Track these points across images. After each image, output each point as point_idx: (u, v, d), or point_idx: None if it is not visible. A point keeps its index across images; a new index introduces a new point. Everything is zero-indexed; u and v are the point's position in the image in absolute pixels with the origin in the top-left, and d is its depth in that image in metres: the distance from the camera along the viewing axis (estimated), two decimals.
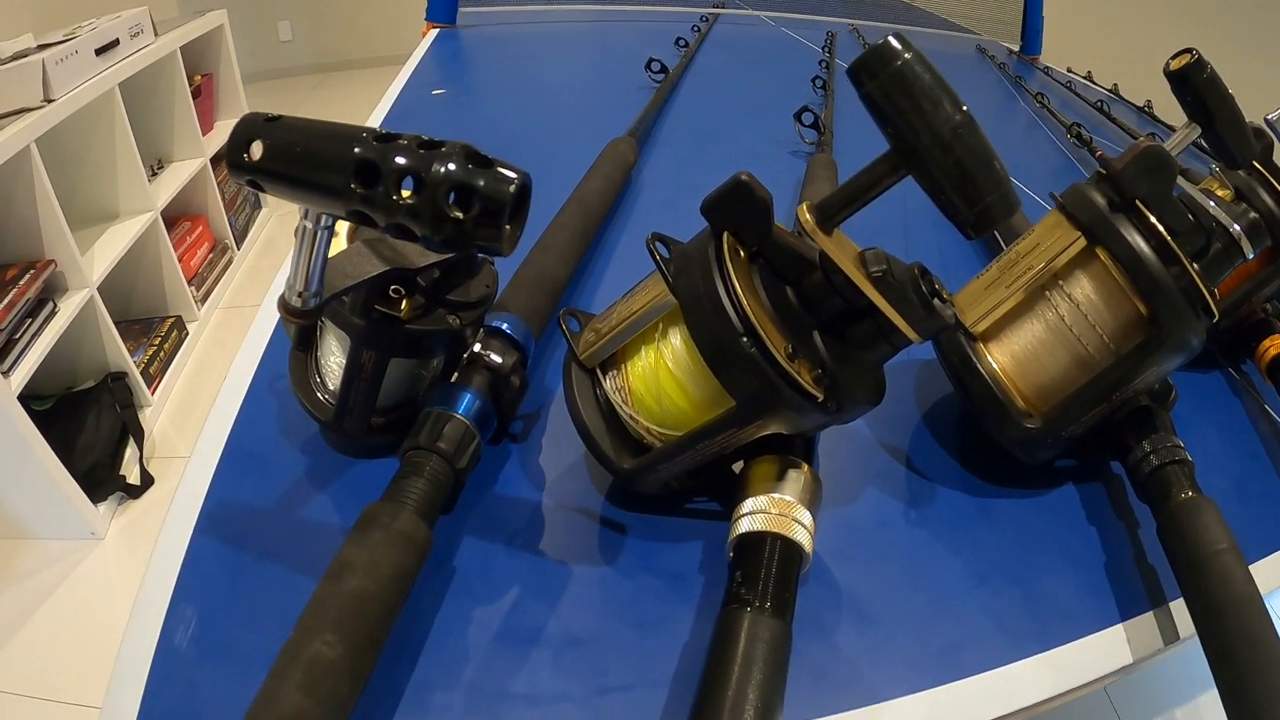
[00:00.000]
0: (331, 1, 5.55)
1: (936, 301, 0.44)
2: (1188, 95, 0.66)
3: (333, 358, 0.55)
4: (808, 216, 0.42)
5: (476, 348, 0.55)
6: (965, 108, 0.38)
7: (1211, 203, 0.61)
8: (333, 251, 0.46)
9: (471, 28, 2.06)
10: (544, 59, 1.85)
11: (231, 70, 3.05)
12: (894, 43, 0.38)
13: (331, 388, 0.56)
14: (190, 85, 2.63)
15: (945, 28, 3.05)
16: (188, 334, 2.50)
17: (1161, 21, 4.12)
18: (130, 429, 2.06)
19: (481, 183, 0.36)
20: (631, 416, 0.49)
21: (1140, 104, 1.94)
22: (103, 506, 1.91)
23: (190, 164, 2.64)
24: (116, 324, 2.06)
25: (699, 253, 0.44)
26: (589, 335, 0.51)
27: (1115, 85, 2.14)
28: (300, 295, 0.44)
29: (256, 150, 0.38)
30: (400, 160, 0.36)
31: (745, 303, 0.41)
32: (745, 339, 0.41)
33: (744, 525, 0.46)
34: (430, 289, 0.51)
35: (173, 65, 2.53)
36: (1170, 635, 0.52)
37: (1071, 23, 3.48)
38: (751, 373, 0.42)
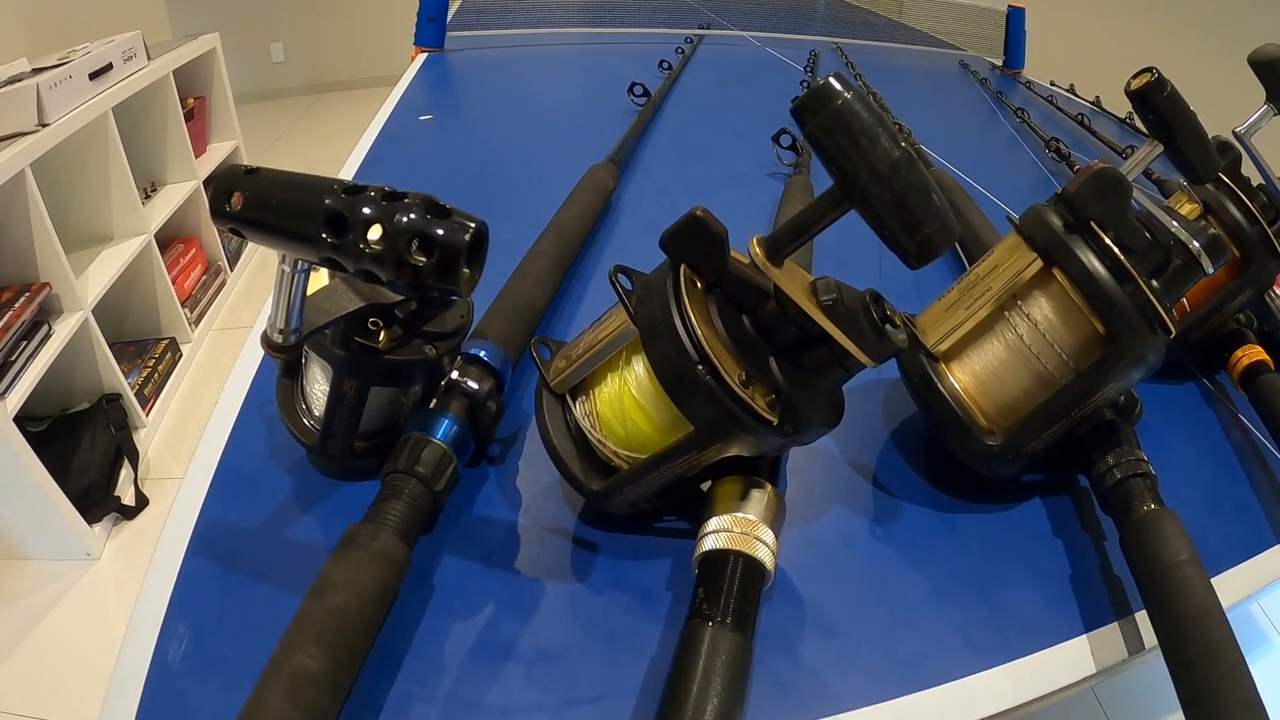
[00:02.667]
0: (324, 23, 5.57)
1: (888, 327, 0.47)
2: (1149, 114, 0.67)
3: (317, 385, 0.57)
4: (758, 250, 0.44)
5: (454, 375, 0.57)
6: (903, 144, 0.40)
7: (1173, 220, 0.62)
8: (314, 287, 0.49)
9: (459, 51, 2.08)
10: (530, 83, 1.87)
11: (224, 93, 3.07)
12: (834, 83, 0.40)
13: (317, 414, 0.58)
14: (183, 108, 2.65)
15: (930, 44, 3.07)
16: (181, 355, 2.52)
17: (1144, 33, 4.15)
18: (125, 450, 2.08)
19: (439, 232, 0.39)
20: (599, 440, 0.51)
21: (1122, 116, 1.96)
22: (98, 527, 1.93)
23: (183, 187, 2.67)
24: (111, 346, 2.08)
25: (658, 285, 0.46)
26: (559, 362, 0.54)
27: (1098, 97, 2.16)
28: (281, 332, 0.46)
29: (237, 201, 0.41)
30: (366, 211, 0.39)
31: (700, 333, 0.44)
32: (700, 367, 0.43)
33: (708, 543, 0.48)
34: (407, 321, 0.53)
35: (165, 89, 2.56)
36: (1135, 646, 0.53)
37: (1055, 35, 3.51)
38: (707, 399, 0.44)
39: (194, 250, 2.74)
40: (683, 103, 1.71)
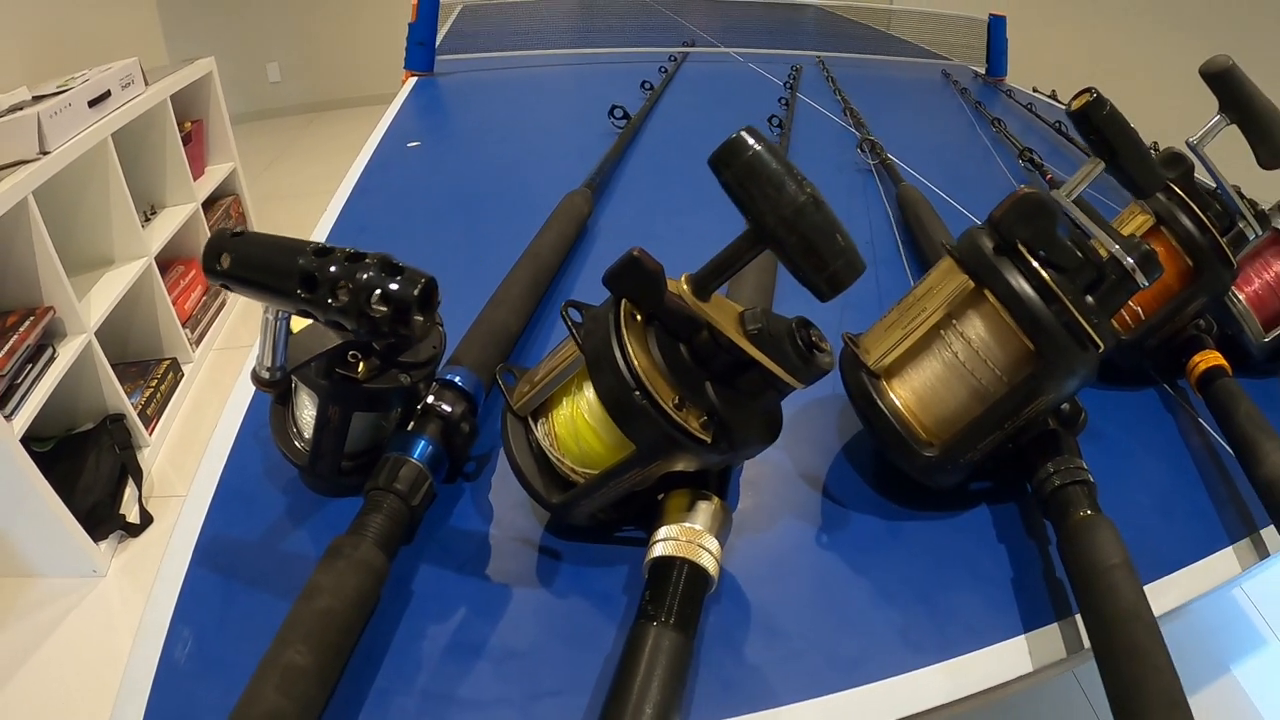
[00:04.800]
0: (319, 43, 5.63)
1: (815, 351, 0.52)
2: (1090, 133, 0.68)
3: (306, 411, 0.63)
4: (685, 288, 0.50)
5: (430, 399, 0.62)
6: (809, 189, 0.45)
7: (1109, 237, 0.64)
8: (299, 325, 0.55)
9: (448, 75, 2.13)
10: (516, 107, 1.90)
11: (221, 115, 3.12)
12: (745, 137, 0.45)
13: (306, 437, 0.63)
14: (181, 132, 2.70)
15: (914, 54, 3.10)
16: (183, 375, 2.57)
17: (1125, 36, 4.19)
18: (129, 469, 2.13)
19: (393, 287, 0.44)
20: (558, 458, 0.56)
21: None
22: (104, 544, 1.97)
23: (182, 209, 2.72)
24: (114, 367, 2.13)
25: (602, 318, 0.51)
26: (523, 387, 0.59)
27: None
28: (268, 370, 0.53)
29: (225, 261, 0.48)
30: (332, 270, 0.45)
31: (636, 361, 0.49)
32: (637, 393, 0.48)
33: (657, 550, 0.53)
34: (384, 352, 0.59)
35: (163, 114, 2.61)
36: (1074, 646, 0.56)
37: (1038, 41, 3.56)
38: (645, 421, 0.49)
39: (194, 271, 2.78)
40: (663, 124, 1.75)
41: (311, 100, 5.80)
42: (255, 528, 0.63)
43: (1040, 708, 1.51)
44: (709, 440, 0.50)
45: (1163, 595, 0.62)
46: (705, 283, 0.50)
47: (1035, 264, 0.58)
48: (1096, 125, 0.67)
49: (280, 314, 0.51)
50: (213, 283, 0.49)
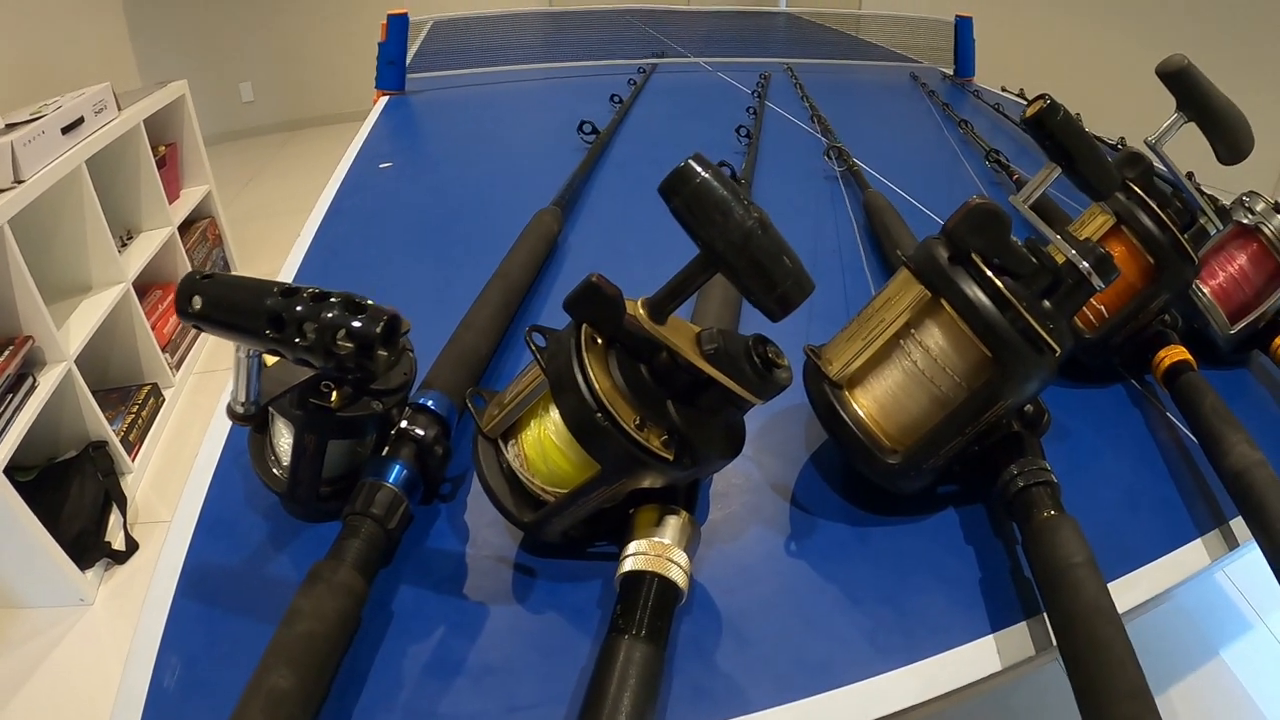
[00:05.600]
0: (292, 61, 5.63)
1: (774, 368, 0.53)
2: (1045, 139, 0.69)
3: (283, 439, 0.64)
4: (641, 312, 0.52)
5: (403, 423, 0.64)
6: (756, 213, 0.47)
7: (1065, 242, 0.66)
8: (272, 359, 0.57)
9: (420, 93, 2.14)
10: (486, 124, 1.92)
11: (194, 137, 3.12)
12: (693, 165, 0.47)
13: (285, 464, 0.64)
14: (155, 156, 2.70)
15: (883, 58, 3.13)
16: (164, 400, 2.56)
17: (1090, 31, 4.23)
18: (113, 496, 2.12)
19: (356, 325, 0.46)
20: (528, 478, 0.58)
21: None
22: (90, 573, 1.97)
23: (159, 234, 2.71)
24: (94, 393, 2.12)
25: (564, 342, 0.53)
26: (493, 409, 0.60)
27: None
28: (242, 405, 0.54)
29: (197, 303, 0.50)
30: (298, 310, 0.47)
31: (597, 384, 0.50)
32: (599, 415, 0.50)
33: (627, 565, 0.54)
34: (356, 381, 0.60)
35: (137, 138, 2.61)
36: (1042, 643, 0.58)
37: (1004, 41, 3.59)
38: (608, 442, 0.51)
39: (171, 296, 2.74)
40: (632, 137, 1.77)
41: (285, 119, 5.80)
42: (238, 554, 0.64)
43: (1035, 699, 1.53)
44: (671, 458, 0.52)
45: (1132, 589, 0.63)
46: (660, 307, 0.51)
47: (989, 273, 0.60)
48: (1051, 131, 0.69)
49: (251, 352, 0.53)
50: (185, 323, 0.51)
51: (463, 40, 3.06)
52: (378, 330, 0.46)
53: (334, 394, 0.59)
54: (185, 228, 2.97)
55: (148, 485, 2.32)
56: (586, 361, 0.51)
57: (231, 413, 0.55)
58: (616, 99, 1.93)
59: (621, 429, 0.50)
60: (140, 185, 2.69)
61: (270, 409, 0.62)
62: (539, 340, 0.56)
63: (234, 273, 3.37)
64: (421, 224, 1.29)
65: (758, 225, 0.47)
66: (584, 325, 0.53)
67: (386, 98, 2.07)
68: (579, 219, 1.28)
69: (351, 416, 0.60)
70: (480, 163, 1.63)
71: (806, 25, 4.03)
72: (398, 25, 2.07)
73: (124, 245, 2.58)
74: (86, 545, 1.99)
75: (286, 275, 1.06)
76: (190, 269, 2.81)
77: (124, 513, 2.12)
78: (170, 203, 2.82)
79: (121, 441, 2.23)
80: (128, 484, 2.21)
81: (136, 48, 4.80)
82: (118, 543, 2.07)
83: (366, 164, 1.56)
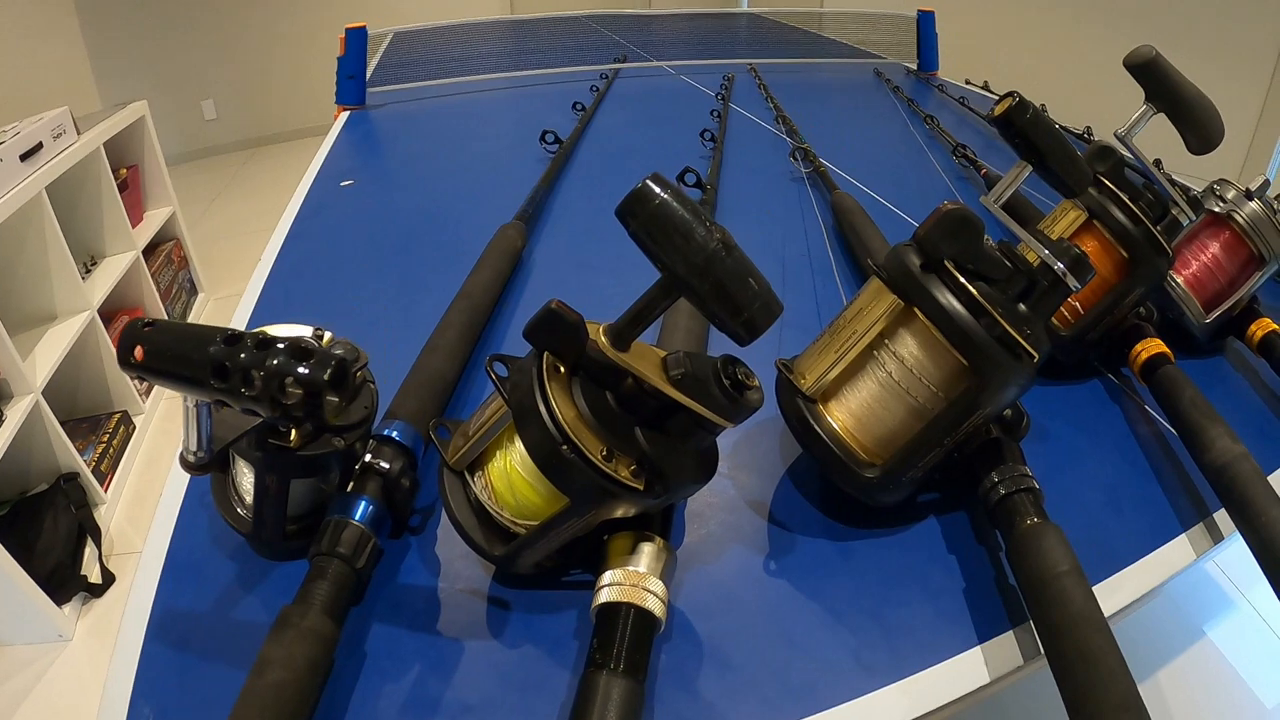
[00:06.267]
0: (254, 77, 5.59)
1: (744, 390, 0.52)
2: (1015, 137, 0.68)
3: (246, 479, 0.62)
4: (603, 339, 0.50)
5: (367, 457, 0.62)
6: (719, 234, 0.45)
7: (1039, 244, 0.64)
8: None
9: (381, 107, 2.12)
10: (448, 137, 1.90)
11: (156, 159, 3.07)
12: (651, 185, 0.45)
13: (249, 504, 0.63)
14: (116, 179, 2.66)
15: (847, 55, 3.13)
16: (135, 428, 2.53)
17: (1051, 24, 4.25)
18: (87, 528, 2.09)
19: (303, 372, 0.44)
20: (496, 511, 0.56)
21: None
22: (67, 608, 1.93)
23: (123, 258, 2.67)
24: (64, 424, 2.08)
25: (526, 371, 0.52)
26: (458, 440, 0.59)
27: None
28: (194, 454, 0.52)
29: (139, 354, 0.48)
30: (242, 358, 0.45)
31: (561, 415, 0.49)
32: (564, 447, 0.49)
33: (602, 596, 0.53)
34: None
35: (97, 162, 2.56)
36: (1031, 652, 0.57)
37: (967, 34, 3.60)
38: (575, 474, 0.49)
39: (140, 319, 2.73)
40: (596, 145, 1.75)
41: (249, 136, 5.75)
42: (207, 597, 0.63)
43: (1029, 699, 1.53)
44: (641, 487, 0.50)
45: (1119, 591, 0.63)
46: (622, 334, 0.50)
47: (963, 279, 0.59)
48: (1020, 130, 0.67)
49: (200, 401, 0.51)
50: (128, 374, 0.49)
51: (424, 51, 3.02)
52: (325, 376, 0.44)
53: (293, 433, 0.57)
54: (150, 251, 2.92)
55: (122, 516, 2.28)
56: (549, 391, 0.50)
57: (184, 462, 0.53)
58: (579, 107, 1.91)
59: (588, 460, 0.49)
60: (102, 210, 2.65)
61: (230, 450, 0.60)
62: (500, 370, 0.54)
63: (202, 294, 3.34)
64: (384, 243, 1.27)
65: (721, 247, 0.45)
66: (545, 353, 0.52)
67: (347, 113, 2.04)
68: (544, 232, 1.26)
69: (313, 455, 0.58)
70: (443, 177, 1.61)
71: (769, 25, 4.02)
72: (356, 39, 2.05)
73: (88, 272, 2.54)
74: (62, 580, 1.95)
75: (247, 303, 1.04)
76: (155, 293, 2.80)
77: (99, 545, 2.09)
78: (134, 226, 2.78)
79: (93, 472, 2.20)
80: (101, 515, 2.18)
81: (96, 70, 4.75)
82: (94, 576, 2.03)
83: (327, 182, 1.53)
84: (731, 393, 0.51)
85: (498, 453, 0.56)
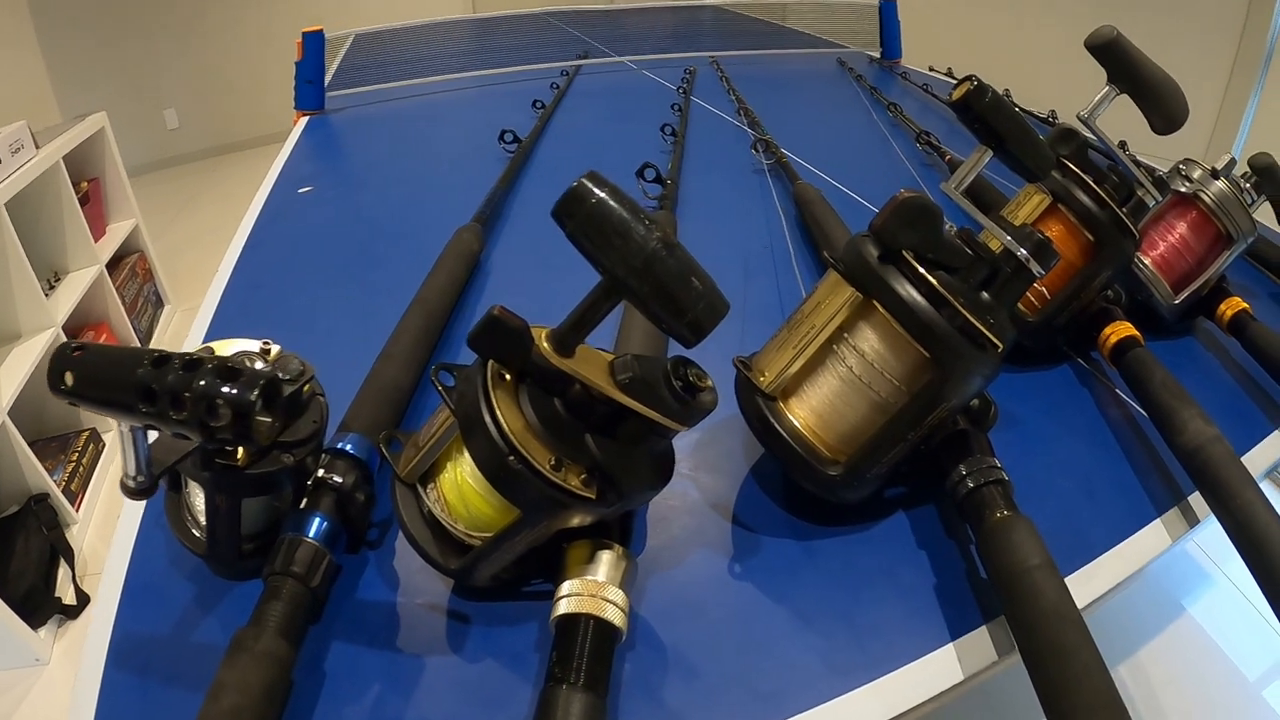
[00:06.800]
0: (216, 84, 5.53)
1: (697, 392, 0.51)
2: (974, 122, 0.67)
3: (198, 499, 0.61)
4: (546, 346, 0.48)
5: (320, 472, 0.60)
6: (659, 233, 0.44)
7: (1001, 230, 0.63)
8: None
9: (340, 111, 2.09)
10: (407, 139, 1.88)
11: (118, 171, 3.03)
12: (586, 184, 0.44)
13: (203, 524, 0.61)
14: (77, 193, 2.62)
15: (809, 45, 3.13)
16: (104, 445, 2.49)
17: (1015, 7, 4.26)
18: (59, 549, 2.06)
19: (230, 393, 0.42)
20: (450, 523, 0.55)
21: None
22: (43, 631, 1.91)
23: (86, 273, 2.63)
24: (32, 444, 2.05)
25: (471, 381, 0.50)
26: (409, 451, 0.57)
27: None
28: (133, 479, 0.50)
29: (69, 379, 0.46)
30: (169, 381, 0.43)
31: (506, 425, 0.48)
32: (511, 457, 0.47)
33: (560, 608, 0.52)
34: None
35: (57, 177, 2.52)
36: (1005, 647, 0.56)
37: (930, 20, 3.60)
38: (523, 485, 0.48)
39: (104, 335, 2.71)
40: (556, 143, 1.73)
41: (213, 144, 5.68)
42: (167, 620, 0.61)
43: (1015, 690, 1.53)
44: (593, 496, 0.49)
45: (1094, 579, 0.62)
46: (565, 340, 0.49)
47: (922, 269, 0.58)
48: (980, 114, 0.66)
49: (134, 426, 0.49)
50: (61, 400, 0.47)
51: (386, 53, 3.00)
52: (253, 397, 0.43)
53: (240, 451, 0.56)
54: (114, 265, 2.88)
55: (94, 535, 2.25)
56: (495, 401, 0.48)
57: (125, 488, 0.51)
58: (539, 104, 1.89)
59: (536, 471, 0.48)
60: (64, 224, 2.61)
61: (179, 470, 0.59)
62: (447, 379, 0.53)
63: (169, 306, 3.31)
64: (343, 249, 1.25)
65: (661, 246, 0.43)
66: (490, 362, 0.50)
67: (306, 118, 2.02)
68: (502, 234, 1.24)
69: (262, 473, 0.57)
70: (402, 180, 1.59)
71: (733, 17, 4.02)
72: (313, 43, 2.02)
73: (51, 288, 2.51)
74: (37, 603, 1.92)
75: (204, 316, 1.02)
76: (121, 307, 2.77)
77: (72, 566, 2.06)
78: (96, 240, 2.74)
79: (64, 492, 2.17)
80: (73, 535, 2.15)
81: (55, 82, 4.68)
82: (68, 597, 2.00)
83: (286, 189, 1.51)
84: (682, 395, 0.50)
85: (448, 464, 0.55)
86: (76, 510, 2.21)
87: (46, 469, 2.11)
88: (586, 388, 0.50)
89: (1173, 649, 1.70)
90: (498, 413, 0.48)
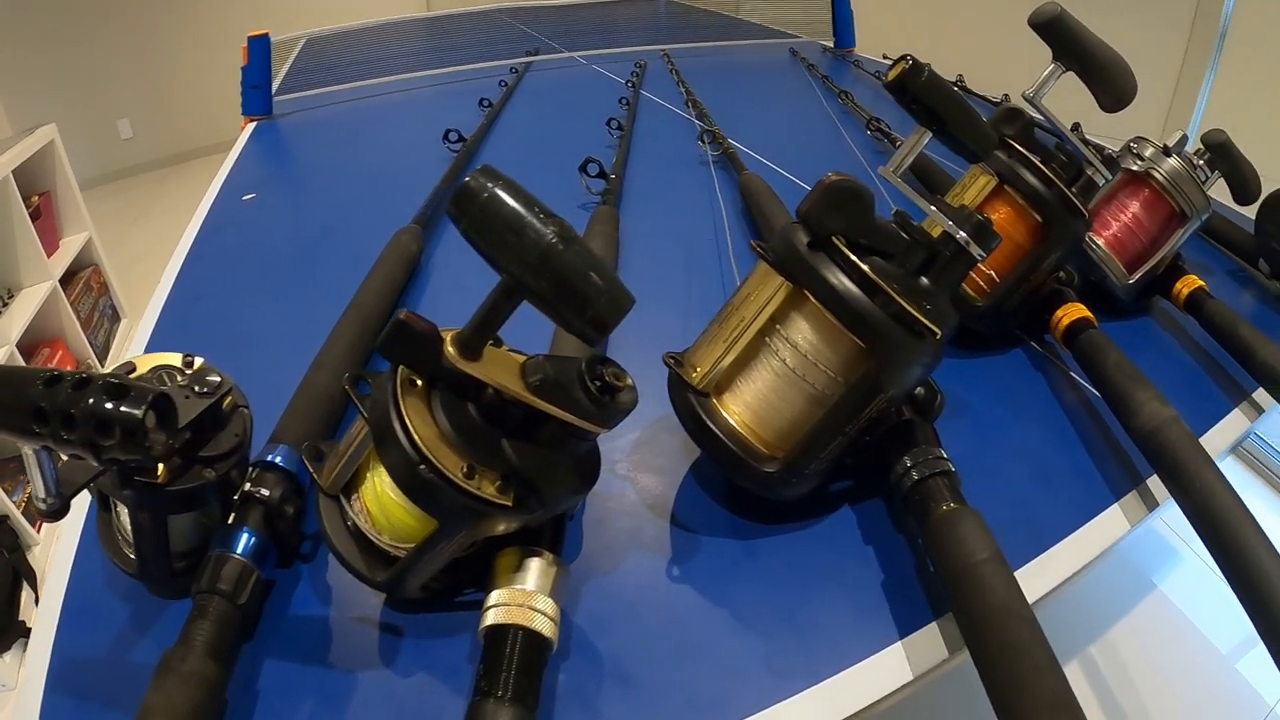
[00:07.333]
0: (171, 92, 5.45)
1: (615, 391, 0.50)
2: (911, 103, 0.65)
3: (127, 517, 0.59)
4: (452, 350, 0.47)
5: (247, 486, 0.59)
6: (555, 227, 0.42)
7: (939, 211, 0.62)
8: None
9: (288, 115, 2.06)
10: (353, 143, 1.86)
11: (69, 184, 2.97)
12: (478, 178, 0.42)
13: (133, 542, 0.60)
14: (28, 207, 2.57)
15: (763, 36, 3.13)
16: (64, 463, 2.44)
17: None
18: (21, 572, 2.02)
19: (118, 411, 0.41)
20: (374, 535, 0.53)
21: (951, 80, 2.03)
22: (8, 656, 1.87)
23: (39, 289, 2.58)
24: None
25: (382, 389, 0.49)
26: (331, 462, 0.56)
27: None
28: (44, 501, 0.49)
29: None
30: (59, 401, 0.42)
31: (416, 433, 0.47)
32: (422, 466, 0.46)
33: (488, 618, 0.50)
34: (182, 450, 0.56)
35: (6, 192, 2.47)
36: (956, 644, 0.55)
37: (883, 8, 3.61)
38: (437, 494, 0.47)
39: (60, 352, 2.66)
40: (502, 143, 1.72)
41: (168, 153, 5.59)
42: (104, 642, 0.60)
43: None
44: (510, 504, 0.48)
45: (1050, 569, 0.62)
46: (470, 343, 0.47)
47: (853, 256, 0.56)
48: (915, 94, 0.64)
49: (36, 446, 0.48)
50: None
51: (337, 55, 2.96)
52: (141, 414, 0.42)
53: (160, 468, 0.54)
54: (68, 279, 2.84)
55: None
56: (404, 409, 0.47)
57: (36, 510, 0.50)
58: (486, 102, 1.88)
59: (448, 479, 0.47)
60: (15, 241, 2.55)
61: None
62: (364, 388, 0.52)
63: (125, 320, 3.26)
64: (284, 256, 1.23)
65: (557, 240, 0.42)
66: (399, 369, 0.49)
67: (254, 124, 1.98)
68: (443, 236, 1.21)
69: (184, 489, 0.55)
70: (345, 184, 1.57)
71: (685, 10, 4.01)
72: (259, 47, 1.99)
73: (4, 305, 2.46)
74: (1, 628, 1.89)
75: (143, 333, 0.99)
76: (76, 322, 2.73)
77: (35, 589, 2.02)
78: (49, 255, 2.69)
79: (24, 513, 2.12)
80: (35, 557, 2.11)
81: (3, 93, 4.60)
82: (32, 620, 1.96)
83: (231, 197, 1.48)
84: (598, 396, 0.49)
85: (368, 474, 0.54)
86: (38, 532, 2.17)
87: (5, 490, 2.07)
88: (498, 392, 0.49)
89: (1146, 625, 1.71)
90: (407, 420, 0.47)
